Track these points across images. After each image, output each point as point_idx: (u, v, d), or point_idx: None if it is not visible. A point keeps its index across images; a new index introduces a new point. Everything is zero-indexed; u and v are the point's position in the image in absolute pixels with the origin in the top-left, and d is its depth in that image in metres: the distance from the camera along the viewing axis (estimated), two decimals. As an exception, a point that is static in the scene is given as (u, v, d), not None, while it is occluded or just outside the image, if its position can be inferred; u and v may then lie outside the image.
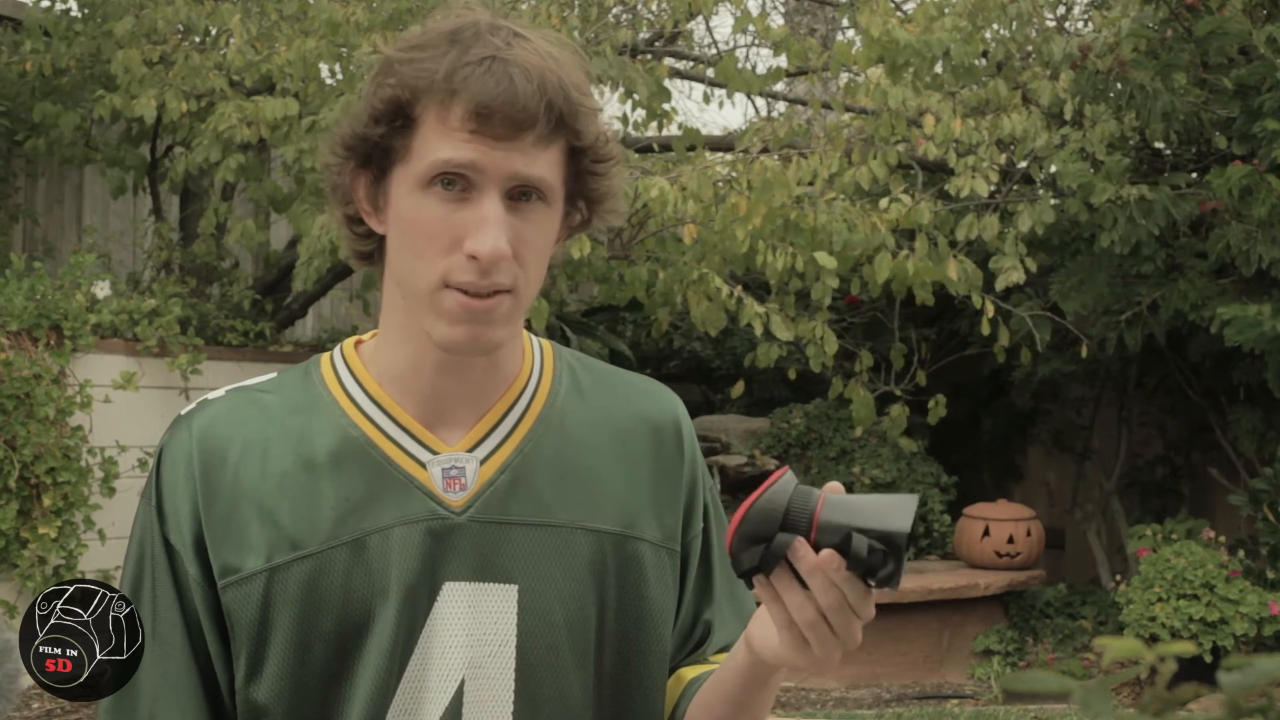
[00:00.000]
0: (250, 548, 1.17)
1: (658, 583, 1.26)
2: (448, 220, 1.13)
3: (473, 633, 1.18)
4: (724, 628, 1.31)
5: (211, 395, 1.26)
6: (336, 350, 1.28)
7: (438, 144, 1.13)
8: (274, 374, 1.29)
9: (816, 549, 1.04)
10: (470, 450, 1.22)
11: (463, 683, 1.18)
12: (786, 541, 1.04)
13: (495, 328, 1.15)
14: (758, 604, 1.17)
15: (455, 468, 1.21)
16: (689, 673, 1.29)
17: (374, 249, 1.22)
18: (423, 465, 1.20)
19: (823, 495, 1.05)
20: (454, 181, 1.13)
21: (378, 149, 1.17)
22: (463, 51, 1.13)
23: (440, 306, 1.14)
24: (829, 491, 1.06)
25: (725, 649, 1.30)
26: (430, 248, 1.14)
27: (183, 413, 1.25)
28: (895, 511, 1.04)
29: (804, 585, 1.05)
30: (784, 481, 1.06)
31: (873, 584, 1.05)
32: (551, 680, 1.20)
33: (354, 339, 1.29)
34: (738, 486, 6.69)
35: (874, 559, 1.03)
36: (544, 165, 1.15)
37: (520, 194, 1.15)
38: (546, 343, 1.32)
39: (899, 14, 7.12)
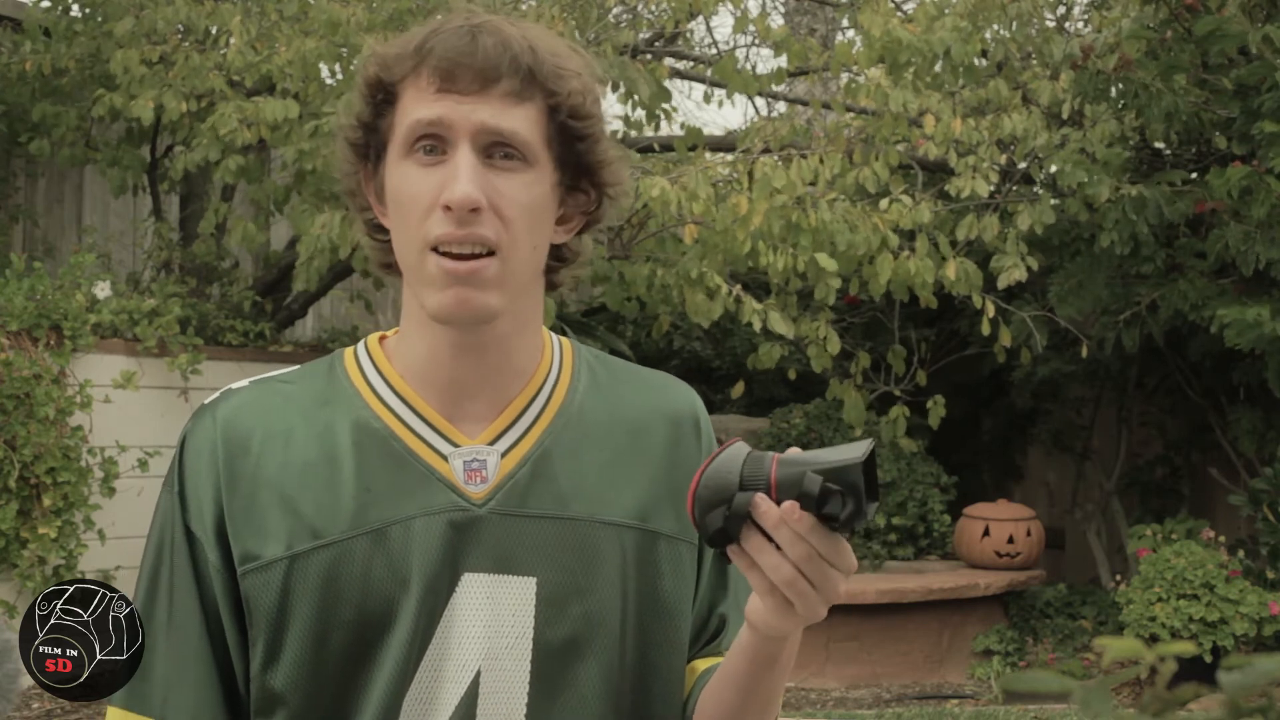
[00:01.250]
0: (271, 535, 1.18)
1: (675, 575, 1.26)
2: (427, 181, 1.16)
3: (490, 624, 1.19)
4: (739, 622, 1.30)
5: (235, 385, 1.27)
6: (361, 344, 1.30)
7: (411, 108, 1.17)
8: (298, 366, 1.31)
9: None
10: (491, 444, 1.23)
11: (479, 673, 1.19)
12: (746, 499, 1.04)
13: (484, 291, 1.16)
14: None
15: (477, 460, 1.22)
16: (701, 664, 1.30)
17: (395, 259, 1.24)
18: (444, 458, 1.21)
19: (776, 456, 1.05)
20: (433, 147, 1.16)
21: (371, 135, 1.21)
22: (435, 27, 1.18)
23: (427, 273, 1.16)
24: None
25: None
26: (413, 212, 1.16)
27: (206, 402, 1.26)
28: (847, 450, 1.04)
29: (777, 547, 1.05)
30: (735, 448, 1.07)
31: (837, 526, 1.04)
32: (567, 672, 1.21)
33: (379, 334, 1.31)
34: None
35: (830, 498, 1.02)
36: (517, 120, 1.17)
37: (499, 153, 1.16)
38: (565, 340, 1.34)
39: (899, 14, 7.12)
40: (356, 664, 1.18)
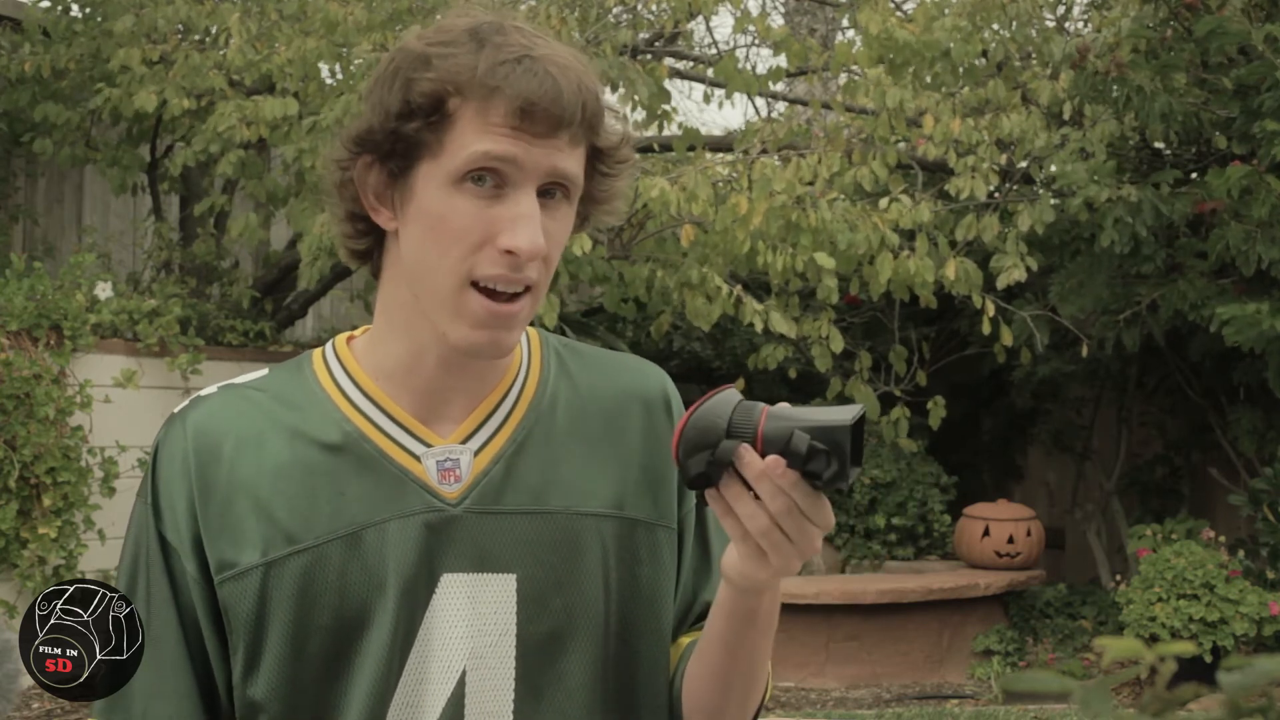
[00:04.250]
0: (246, 542, 1.18)
1: (654, 562, 1.26)
2: (481, 216, 1.14)
3: (472, 623, 1.19)
4: None
5: (204, 392, 1.26)
6: (329, 346, 1.28)
7: (476, 139, 1.13)
8: (265, 371, 1.29)
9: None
10: (463, 442, 1.22)
11: (464, 673, 1.18)
12: (731, 448, 1.05)
13: (513, 331, 1.17)
14: None
15: (449, 460, 1.21)
16: (686, 639, 1.30)
17: (370, 247, 1.23)
18: (417, 459, 1.21)
19: (766, 408, 1.06)
20: (485, 178, 1.14)
21: (404, 143, 1.16)
22: (495, 50, 1.14)
23: (464, 308, 1.15)
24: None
25: None
26: (459, 244, 1.14)
27: (176, 410, 1.26)
28: (837, 412, 1.04)
29: (756, 496, 1.06)
30: (726, 394, 1.07)
31: (819, 485, 1.05)
32: (553, 666, 1.21)
33: (345, 335, 1.30)
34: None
35: (816, 458, 1.03)
36: (574, 162, 1.17)
37: (547, 192, 1.16)
38: (532, 330, 1.33)
39: (899, 14, 7.12)
40: (335, 669, 1.17)
